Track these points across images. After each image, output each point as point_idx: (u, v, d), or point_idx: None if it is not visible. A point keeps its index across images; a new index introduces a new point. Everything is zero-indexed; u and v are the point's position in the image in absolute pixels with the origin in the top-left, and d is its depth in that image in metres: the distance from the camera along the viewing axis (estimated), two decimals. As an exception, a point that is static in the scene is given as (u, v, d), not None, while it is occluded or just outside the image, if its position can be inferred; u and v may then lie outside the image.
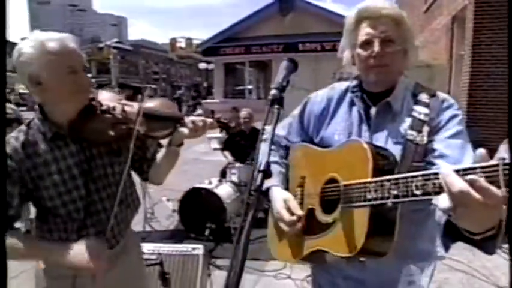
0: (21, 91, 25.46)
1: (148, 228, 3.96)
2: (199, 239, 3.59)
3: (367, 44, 1.11)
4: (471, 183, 0.64)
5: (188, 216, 3.85)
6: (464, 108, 6.35)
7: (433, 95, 1.12)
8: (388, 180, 0.87)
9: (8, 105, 4.46)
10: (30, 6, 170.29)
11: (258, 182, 0.84)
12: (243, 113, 4.87)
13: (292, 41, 11.01)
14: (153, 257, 2.47)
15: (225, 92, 14.17)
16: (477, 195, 0.63)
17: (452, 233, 0.80)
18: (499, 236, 0.72)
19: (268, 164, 0.87)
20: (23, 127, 1.29)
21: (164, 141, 1.43)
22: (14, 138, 1.24)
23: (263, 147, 0.99)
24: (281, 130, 1.36)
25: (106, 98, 1.36)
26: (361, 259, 1.11)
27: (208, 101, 16.21)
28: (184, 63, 52.32)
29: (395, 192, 0.85)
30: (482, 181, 0.64)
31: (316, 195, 1.13)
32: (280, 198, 1.17)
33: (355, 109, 1.20)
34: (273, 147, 1.31)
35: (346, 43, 1.19)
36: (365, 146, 1.00)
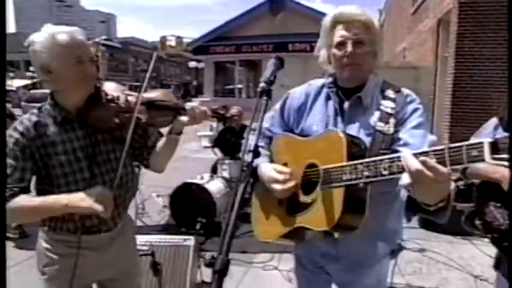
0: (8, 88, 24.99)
1: (139, 223, 4.02)
2: (190, 233, 3.63)
3: (341, 44, 1.25)
4: (423, 163, 0.82)
5: (179, 211, 3.93)
6: (448, 108, 6.56)
7: (398, 91, 1.28)
8: (361, 163, 1.02)
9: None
10: (15, 1, 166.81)
11: (249, 159, 0.94)
12: (233, 110, 4.95)
13: (282, 40, 11.15)
14: (145, 248, 2.54)
15: (215, 90, 14.22)
16: (428, 173, 0.82)
17: (413, 207, 0.97)
18: (449, 207, 0.92)
19: (257, 145, 0.98)
20: (35, 110, 1.39)
21: (164, 130, 1.53)
22: (27, 119, 1.35)
23: (251, 136, 1.10)
24: (264, 122, 1.47)
25: (111, 88, 1.46)
26: (336, 236, 1.27)
27: (199, 99, 16.23)
28: (174, 62, 51.96)
29: (366, 173, 1.00)
30: (432, 161, 0.82)
31: (298, 178, 1.25)
32: (269, 167, 1.29)
33: (330, 103, 1.34)
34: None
35: (322, 43, 1.33)
36: (341, 135, 1.14)
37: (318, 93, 1.39)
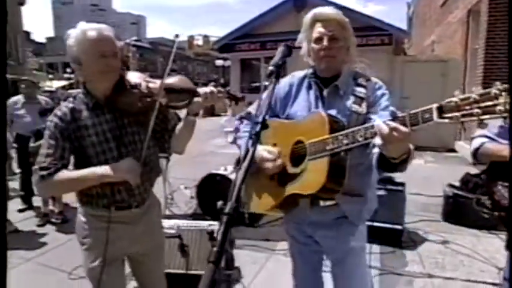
0: None
1: (168, 213, 4.26)
2: (215, 221, 3.85)
3: (319, 39, 1.46)
4: (390, 127, 1.07)
5: (205, 201, 4.11)
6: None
7: (368, 80, 1.50)
8: (341, 134, 1.26)
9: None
10: (54, 7, 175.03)
11: (257, 129, 1.10)
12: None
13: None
14: (173, 231, 2.74)
15: (242, 88, 14.39)
16: (395, 133, 1.07)
17: (382, 165, 1.27)
18: (409, 159, 1.21)
19: (264, 119, 1.12)
20: (70, 98, 1.60)
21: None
22: (65, 106, 1.56)
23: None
24: (252, 110, 1.67)
25: (134, 76, 1.64)
26: (321, 204, 1.46)
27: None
28: (201, 61, 52.83)
29: (345, 141, 1.24)
30: (396, 124, 1.07)
31: (286, 155, 1.47)
32: (260, 148, 1.47)
33: (312, 92, 1.55)
34: (246, 122, 1.62)
35: (303, 37, 1.52)
36: (323, 113, 1.38)
37: (300, 83, 1.60)
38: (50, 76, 42.11)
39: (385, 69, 8.23)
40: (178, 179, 5.06)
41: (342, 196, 1.45)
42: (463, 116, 0.96)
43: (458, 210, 3.98)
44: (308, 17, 1.49)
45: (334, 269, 1.66)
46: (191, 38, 21.74)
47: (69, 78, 39.91)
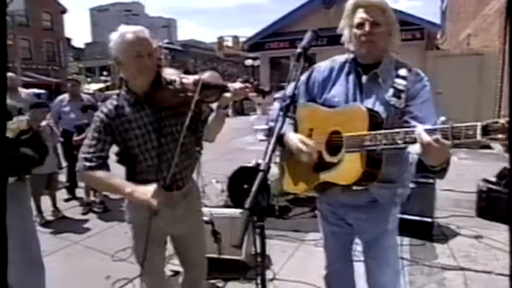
0: None
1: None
2: (246, 212, 3.98)
3: (361, 25, 1.46)
4: (434, 139, 1.10)
5: (236, 193, 4.26)
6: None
7: (409, 70, 1.47)
8: (380, 133, 1.27)
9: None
10: (91, 14, 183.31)
11: (287, 102, 1.23)
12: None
13: (335, 33, 11.02)
14: (206, 218, 2.90)
15: (271, 86, 14.50)
16: (436, 145, 1.10)
17: (421, 168, 1.33)
18: (448, 167, 1.25)
19: (294, 94, 1.26)
20: (114, 96, 1.77)
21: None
22: (110, 103, 1.74)
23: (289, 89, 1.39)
24: (289, 91, 1.71)
25: (169, 73, 1.80)
26: (354, 188, 1.48)
27: (255, 94, 16.60)
28: (231, 61, 53.47)
29: (384, 141, 1.25)
30: (440, 138, 1.09)
31: (322, 143, 1.50)
32: (295, 137, 1.54)
33: (351, 77, 1.55)
34: (283, 103, 1.70)
35: (345, 24, 1.54)
36: (364, 109, 1.38)
37: (341, 69, 1.60)
38: (88, 79, 44.23)
39: (416, 65, 8.00)
40: (210, 174, 5.24)
41: (374, 182, 1.46)
42: (506, 138, 0.95)
43: (492, 205, 3.88)
44: (350, 2, 1.50)
45: (366, 250, 1.70)
46: (221, 39, 22.17)
47: (105, 81, 41.80)
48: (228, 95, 1.68)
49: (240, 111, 18.27)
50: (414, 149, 1.17)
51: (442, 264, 2.96)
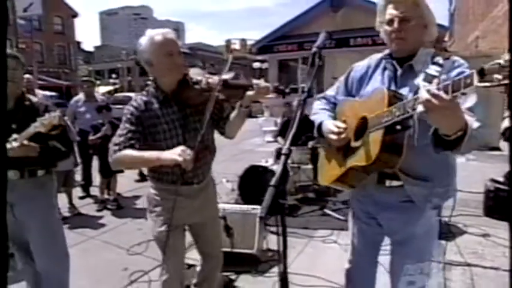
0: None
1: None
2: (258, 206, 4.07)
3: (391, 21, 1.48)
4: (428, 92, 1.08)
5: (246, 191, 4.36)
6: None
7: (447, 58, 1.43)
8: (395, 107, 1.29)
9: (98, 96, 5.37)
10: (101, 17, 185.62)
11: (304, 97, 1.31)
12: (296, 102, 5.26)
13: (343, 36, 11.11)
14: (219, 213, 3.00)
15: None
16: (434, 100, 1.06)
17: (438, 143, 1.22)
18: (466, 136, 1.14)
19: (310, 88, 1.33)
20: (144, 92, 1.89)
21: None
22: (139, 98, 1.86)
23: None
24: (331, 91, 1.82)
25: (195, 73, 1.91)
26: (387, 184, 1.50)
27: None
28: (239, 64, 53.67)
29: (397, 113, 1.27)
30: (434, 89, 1.07)
31: (352, 130, 1.53)
32: (330, 122, 1.61)
33: (386, 72, 1.57)
34: (324, 101, 1.79)
35: (379, 21, 1.56)
36: (384, 89, 1.42)
37: (377, 65, 1.63)
38: (98, 82, 44.78)
39: (425, 67, 8.03)
40: (220, 174, 5.35)
41: (407, 178, 1.46)
42: (504, 78, 0.93)
43: (500, 204, 3.92)
44: None
45: (393, 250, 1.66)
46: (228, 42, 22.34)
47: (114, 84, 42.32)
48: (250, 93, 1.78)
49: (248, 114, 18.38)
50: (418, 109, 1.15)
51: (449, 260, 3.02)
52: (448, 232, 3.56)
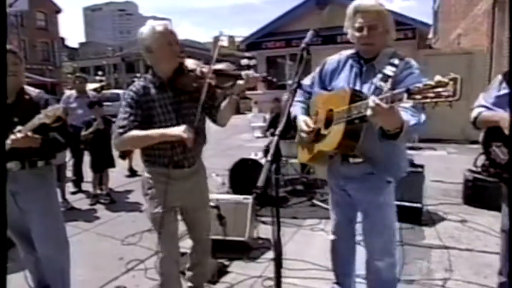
0: None
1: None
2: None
3: (360, 29, 1.72)
4: (375, 102, 1.36)
5: (237, 184, 4.49)
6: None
7: (401, 59, 1.70)
8: (354, 106, 1.56)
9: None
10: (85, 13, 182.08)
11: (294, 87, 1.49)
12: (285, 97, 5.40)
13: (330, 33, 11.31)
14: (212, 203, 3.12)
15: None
16: (378, 108, 1.36)
17: (383, 134, 1.51)
18: (402, 133, 1.45)
19: (299, 80, 1.53)
20: (141, 78, 2.02)
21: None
22: (137, 83, 1.99)
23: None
24: (307, 81, 2.02)
25: (190, 62, 2.03)
26: (350, 161, 1.78)
27: (252, 92, 16.85)
28: (227, 61, 53.44)
29: (355, 111, 1.55)
30: (379, 101, 1.35)
31: (322, 120, 1.80)
32: (302, 118, 1.85)
33: (353, 69, 1.84)
34: (300, 91, 1.96)
35: (348, 25, 1.79)
36: (347, 89, 1.69)
37: (346, 61, 1.89)
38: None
39: (409, 63, 8.30)
40: (210, 169, 5.45)
41: (368, 158, 1.76)
42: (423, 97, 1.22)
43: (478, 193, 4.15)
44: (350, 7, 1.76)
45: (363, 220, 1.94)
46: (216, 39, 22.42)
47: (100, 81, 41.73)
48: (241, 82, 1.92)
49: (236, 110, 18.46)
50: (367, 113, 1.42)
51: (429, 244, 3.22)
52: (429, 219, 3.78)
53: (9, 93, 2.06)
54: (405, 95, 1.29)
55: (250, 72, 1.94)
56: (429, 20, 16.63)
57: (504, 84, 1.75)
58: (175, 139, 1.84)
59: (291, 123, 1.89)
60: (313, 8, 12.11)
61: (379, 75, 1.67)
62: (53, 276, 2.25)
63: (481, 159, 1.89)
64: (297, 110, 1.95)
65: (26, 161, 2.11)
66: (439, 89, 1.18)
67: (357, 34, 1.73)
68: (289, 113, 1.45)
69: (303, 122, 1.84)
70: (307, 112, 1.95)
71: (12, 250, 2.37)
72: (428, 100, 1.21)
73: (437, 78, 1.20)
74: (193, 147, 1.98)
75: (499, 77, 1.82)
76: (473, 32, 9.47)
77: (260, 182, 1.18)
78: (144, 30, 1.91)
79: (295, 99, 1.99)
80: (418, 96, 1.24)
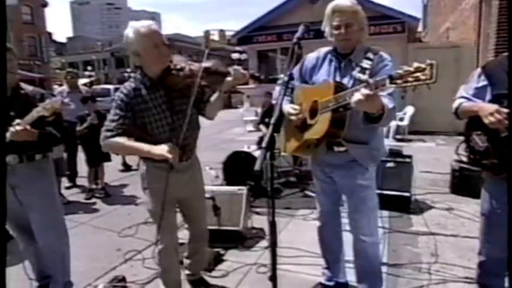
0: None
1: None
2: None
3: (337, 27, 1.87)
4: (362, 93, 1.48)
5: (231, 176, 4.56)
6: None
7: (375, 53, 1.85)
8: (338, 95, 1.68)
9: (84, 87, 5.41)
10: (72, 7, 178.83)
11: (286, 79, 1.58)
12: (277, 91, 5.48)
13: (321, 27, 11.37)
14: (207, 195, 3.20)
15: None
16: (362, 94, 1.50)
17: (366, 119, 1.66)
18: (384, 115, 1.62)
19: (291, 73, 1.62)
20: (131, 79, 2.04)
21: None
22: (128, 85, 2.02)
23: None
24: (294, 72, 2.09)
25: (178, 60, 2.08)
26: (335, 149, 1.92)
27: (244, 86, 16.86)
28: (218, 55, 53.24)
29: (340, 100, 1.68)
30: (365, 91, 1.48)
31: (307, 111, 1.91)
32: (289, 105, 1.96)
33: (332, 64, 1.98)
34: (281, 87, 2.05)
35: (326, 23, 1.93)
36: (331, 81, 1.83)
37: (324, 57, 2.03)
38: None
39: (398, 57, 8.44)
40: (203, 162, 5.51)
41: (350, 144, 1.90)
42: (404, 82, 1.35)
43: (464, 182, 4.30)
44: (328, 8, 1.91)
45: (347, 202, 2.09)
46: (207, 33, 22.27)
47: (90, 76, 41.20)
48: (229, 79, 1.98)
49: (227, 104, 18.49)
50: (351, 100, 1.56)
51: (416, 231, 3.36)
52: (417, 208, 3.92)
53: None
54: (388, 81, 1.42)
55: (238, 68, 1.99)
56: (419, 14, 16.82)
57: (483, 77, 1.85)
58: (159, 158, 1.86)
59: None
60: (304, 2, 12.12)
61: (357, 69, 1.83)
62: (54, 265, 2.31)
63: (462, 148, 1.99)
64: (279, 90, 2.04)
65: (23, 154, 2.16)
66: (418, 74, 1.31)
67: (335, 32, 1.88)
68: (281, 104, 1.53)
69: (290, 108, 1.96)
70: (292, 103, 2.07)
71: (10, 243, 2.42)
72: (408, 84, 1.34)
73: (416, 64, 1.32)
74: (191, 139, 2.08)
75: (478, 69, 1.92)
76: (462, 25, 9.63)
77: (257, 166, 1.25)
78: (129, 34, 1.90)
79: (278, 91, 2.11)
80: (399, 81, 1.37)
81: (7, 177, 2.00)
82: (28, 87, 2.28)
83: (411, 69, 1.33)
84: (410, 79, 1.33)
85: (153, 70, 1.98)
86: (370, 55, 1.86)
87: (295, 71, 2.10)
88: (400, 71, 1.37)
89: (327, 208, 2.24)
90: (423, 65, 1.31)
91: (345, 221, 2.23)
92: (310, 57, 2.08)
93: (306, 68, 2.08)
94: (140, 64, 2.01)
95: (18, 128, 1.96)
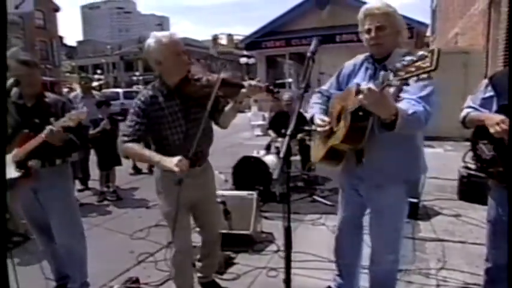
0: None
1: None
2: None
3: (369, 31, 1.82)
4: (367, 87, 1.45)
5: (240, 180, 4.63)
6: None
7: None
8: (356, 98, 1.60)
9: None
10: (82, 11, 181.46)
11: (302, 92, 1.60)
12: (285, 96, 5.54)
13: (329, 32, 11.44)
14: (218, 199, 3.27)
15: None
16: (368, 94, 1.45)
17: (382, 126, 1.60)
18: (398, 119, 1.51)
19: (306, 84, 1.63)
20: (149, 86, 2.13)
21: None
22: (146, 92, 2.11)
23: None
24: (325, 86, 2.16)
25: (197, 70, 2.16)
26: (364, 161, 1.84)
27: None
28: (225, 59, 53.53)
29: (356, 102, 1.59)
30: (365, 86, 1.44)
31: (335, 118, 1.89)
32: (319, 116, 1.95)
33: (368, 71, 1.92)
34: (319, 94, 2.12)
35: (361, 30, 1.89)
36: (354, 84, 1.76)
37: (361, 64, 1.98)
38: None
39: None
40: (213, 166, 5.61)
41: (377, 169, 1.82)
42: (406, 73, 1.29)
43: (472, 189, 4.31)
44: (361, 11, 1.85)
45: (371, 217, 2.01)
46: (215, 37, 22.55)
47: (99, 79, 41.73)
48: (244, 91, 2.04)
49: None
50: (360, 99, 1.51)
51: (424, 236, 3.38)
52: (425, 214, 3.94)
53: (28, 98, 2.26)
54: (391, 74, 1.36)
55: (254, 82, 2.03)
56: (427, 19, 16.79)
57: (489, 88, 1.91)
58: (168, 169, 1.91)
59: (304, 123, 2.01)
60: (312, 7, 12.23)
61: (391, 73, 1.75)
62: (72, 265, 2.41)
63: (469, 156, 2.04)
64: (315, 110, 2.05)
65: (45, 159, 2.26)
66: (419, 63, 1.27)
67: (366, 36, 1.83)
68: (298, 114, 1.55)
69: (319, 119, 1.94)
70: (325, 113, 2.04)
71: (29, 243, 2.53)
72: (410, 75, 1.29)
73: (419, 52, 1.29)
74: (204, 146, 2.16)
75: (486, 80, 1.97)
76: (470, 31, 9.61)
77: (275, 175, 1.32)
78: (151, 43, 1.99)
79: (314, 101, 2.13)
80: (402, 73, 1.31)
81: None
82: (51, 96, 2.39)
83: (415, 58, 1.28)
84: (412, 69, 1.28)
85: (172, 79, 2.06)
86: (408, 58, 1.74)
87: (333, 79, 2.10)
88: (403, 62, 1.31)
89: (349, 217, 2.18)
90: (425, 53, 1.26)
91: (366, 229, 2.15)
92: (348, 64, 2.04)
93: (343, 76, 2.05)
94: (160, 72, 2.09)
95: (54, 128, 2.03)
